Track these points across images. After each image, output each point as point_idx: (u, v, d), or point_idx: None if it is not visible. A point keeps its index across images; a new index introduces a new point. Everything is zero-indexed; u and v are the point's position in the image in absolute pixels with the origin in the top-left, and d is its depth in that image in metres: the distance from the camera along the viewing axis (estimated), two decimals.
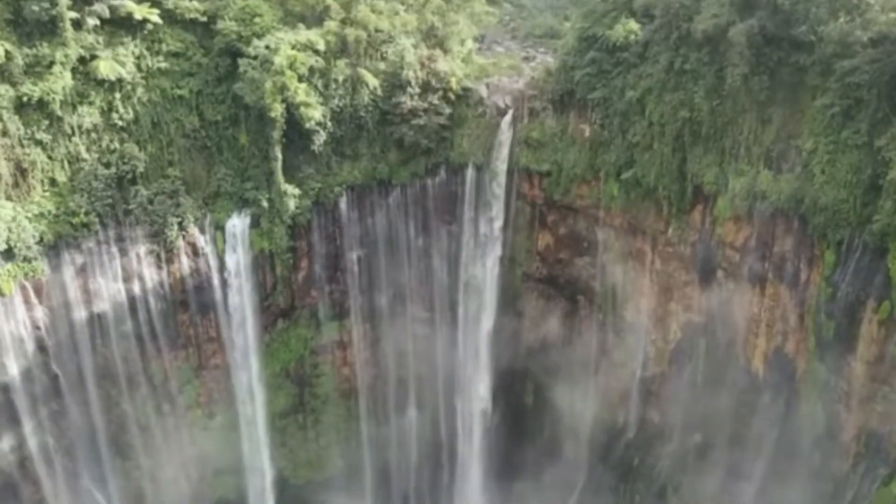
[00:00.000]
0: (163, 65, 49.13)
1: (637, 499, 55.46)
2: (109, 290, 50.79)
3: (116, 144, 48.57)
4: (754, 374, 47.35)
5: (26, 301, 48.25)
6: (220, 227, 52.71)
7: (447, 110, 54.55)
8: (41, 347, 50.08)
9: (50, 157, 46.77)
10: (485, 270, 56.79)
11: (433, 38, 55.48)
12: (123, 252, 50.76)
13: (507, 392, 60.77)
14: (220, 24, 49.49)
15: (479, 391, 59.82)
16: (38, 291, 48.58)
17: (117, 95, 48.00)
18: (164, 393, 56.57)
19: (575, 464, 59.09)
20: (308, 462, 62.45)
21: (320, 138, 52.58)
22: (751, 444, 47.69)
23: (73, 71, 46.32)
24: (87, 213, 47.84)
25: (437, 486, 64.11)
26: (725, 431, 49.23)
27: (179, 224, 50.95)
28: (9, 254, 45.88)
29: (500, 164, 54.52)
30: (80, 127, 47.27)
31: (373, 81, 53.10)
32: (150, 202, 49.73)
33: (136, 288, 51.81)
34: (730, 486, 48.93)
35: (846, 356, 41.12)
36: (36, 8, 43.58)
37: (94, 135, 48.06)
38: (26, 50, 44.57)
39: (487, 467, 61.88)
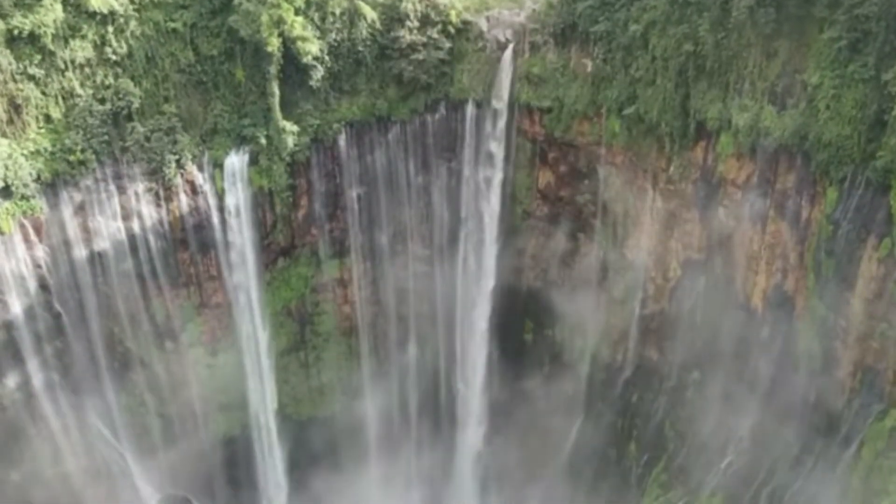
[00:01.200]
0: None
1: (635, 434, 56.15)
2: (109, 229, 50.76)
3: (111, 80, 47.93)
4: (753, 312, 47.37)
5: (26, 240, 48.31)
6: (218, 165, 52.38)
7: (447, 45, 53.67)
8: (43, 286, 50.34)
9: (44, 93, 46.21)
10: (485, 208, 56.57)
11: None
12: (122, 190, 50.60)
13: (507, 329, 61.04)
14: None
15: (479, 329, 60.14)
16: (38, 230, 48.59)
17: (110, 29, 47.18)
18: (167, 331, 57.01)
19: (574, 400, 59.68)
20: (310, 399, 63.26)
21: (318, 73, 51.85)
22: (748, 380, 48.03)
23: (64, 3, 45.42)
24: (83, 151, 47.51)
25: (437, 423, 65.01)
26: (723, 368, 49.49)
27: (177, 162, 50.61)
28: (6, 192, 45.78)
29: (501, 100, 53.80)
30: (72, 61, 46.59)
31: (371, 14, 52.10)
32: (147, 139, 49.30)
33: (136, 226, 51.77)
34: (726, 422, 49.42)
35: (845, 293, 41.04)
36: None
37: (87, 70, 47.40)
38: None
39: (487, 404, 62.62)
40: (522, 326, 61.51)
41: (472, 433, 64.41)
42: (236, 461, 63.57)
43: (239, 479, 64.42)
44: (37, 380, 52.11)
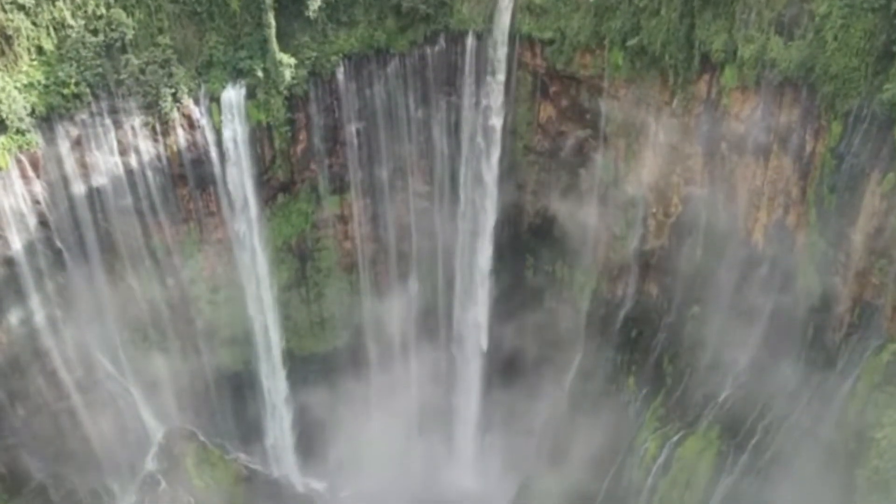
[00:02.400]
0: None
1: (634, 369, 56.53)
2: (106, 164, 50.49)
3: (103, 10, 47.05)
4: (754, 247, 47.13)
5: (23, 175, 48.09)
6: (215, 99, 51.80)
7: None
8: (42, 222, 50.29)
9: (34, 24, 45.42)
10: (485, 143, 55.98)
11: None
12: (118, 125, 50.13)
13: (508, 265, 61.09)
14: None
15: (479, 264, 60.16)
16: (35, 165, 48.32)
17: None
18: (168, 267, 57.20)
19: (574, 336, 60.05)
20: (312, 335, 63.72)
21: (315, 3, 50.89)
22: (747, 315, 48.07)
23: None
24: (77, 84, 46.95)
25: (438, 360, 65.59)
26: (722, 303, 49.48)
27: (173, 95, 50.02)
28: (1, 126, 45.41)
29: (501, 32, 52.67)
30: None
31: None
32: (142, 72, 48.62)
33: (134, 161, 51.48)
34: (724, 357, 49.68)
35: (846, 229, 40.70)
36: None
37: None
38: None
39: (488, 338, 62.98)
40: (523, 263, 61.51)
41: (472, 370, 65.00)
42: (241, 395, 64.49)
43: (244, 412, 65.40)
44: (39, 315, 52.41)
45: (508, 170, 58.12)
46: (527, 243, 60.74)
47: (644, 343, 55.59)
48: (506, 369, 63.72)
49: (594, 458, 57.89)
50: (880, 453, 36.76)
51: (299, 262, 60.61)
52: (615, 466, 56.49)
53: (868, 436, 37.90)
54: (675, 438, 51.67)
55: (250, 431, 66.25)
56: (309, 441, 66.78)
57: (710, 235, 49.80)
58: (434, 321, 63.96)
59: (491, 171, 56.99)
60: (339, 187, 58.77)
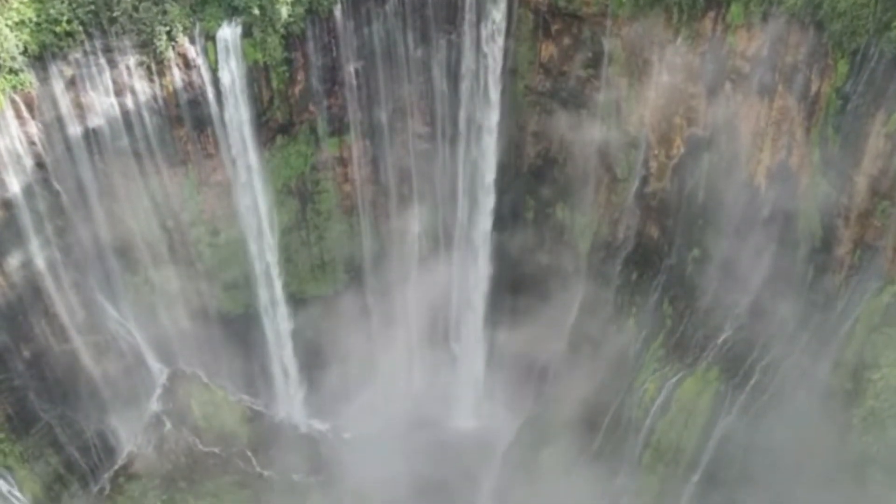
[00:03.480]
0: None
1: (634, 311, 56.63)
2: (102, 105, 49.80)
3: None
4: (756, 189, 46.70)
5: (18, 116, 47.44)
6: (210, 38, 50.76)
7: None
8: (39, 164, 49.86)
9: None
10: (486, 83, 55.10)
11: None
12: (113, 64, 49.27)
13: (508, 207, 60.78)
14: None
15: (480, 206, 59.82)
16: (30, 106, 47.63)
17: None
18: (167, 210, 56.98)
19: (574, 278, 60.10)
20: (313, 277, 63.74)
21: None
22: (748, 258, 47.90)
23: None
24: (69, 21, 46.00)
25: (439, 302, 65.64)
26: (723, 246, 49.35)
27: (168, 34, 49.08)
28: None
29: None
30: None
31: None
32: (135, 9, 47.57)
33: (129, 102, 50.75)
34: (724, 299, 49.69)
35: (850, 170, 40.26)
36: None
37: None
38: None
39: (488, 281, 63.01)
40: (524, 205, 61.17)
41: (473, 312, 65.21)
42: (244, 338, 64.78)
43: (247, 355, 65.85)
44: (40, 258, 52.39)
45: (509, 110, 57.36)
46: (528, 185, 60.34)
47: (644, 285, 55.60)
48: (507, 310, 63.86)
49: (594, 398, 58.43)
50: (876, 394, 37.00)
51: (299, 204, 60.33)
52: (615, 406, 57.03)
53: (865, 377, 38.12)
54: (675, 379, 52.05)
55: (254, 373, 66.82)
56: (312, 382, 67.35)
57: (712, 177, 49.36)
58: (435, 264, 63.85)
59: (491, 111, 56.20)
60: (339, 129, 58.09)
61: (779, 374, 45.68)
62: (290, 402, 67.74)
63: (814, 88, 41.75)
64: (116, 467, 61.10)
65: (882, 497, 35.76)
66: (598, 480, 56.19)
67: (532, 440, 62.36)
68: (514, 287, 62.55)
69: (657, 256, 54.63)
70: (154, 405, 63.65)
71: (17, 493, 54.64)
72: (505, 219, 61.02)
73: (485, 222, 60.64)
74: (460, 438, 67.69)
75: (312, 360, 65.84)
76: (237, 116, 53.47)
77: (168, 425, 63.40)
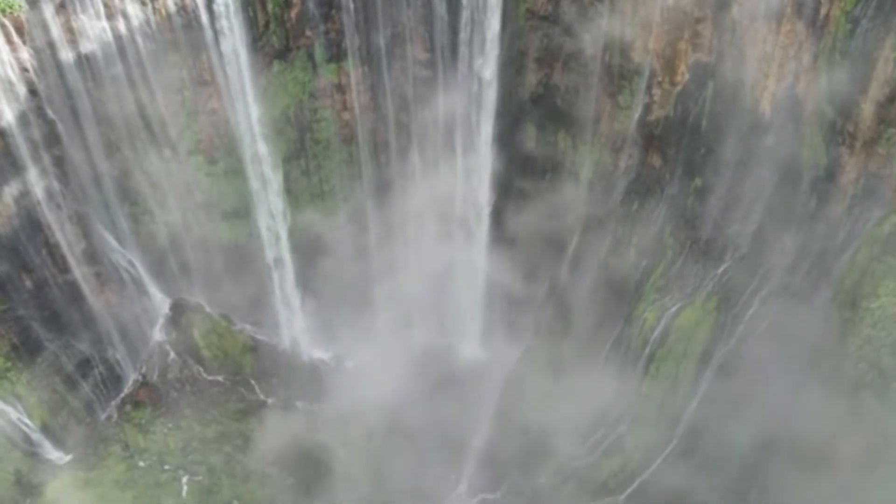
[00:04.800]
0: None
1: (634, 241, 56.31)
2: (94, 29, 48.99)
3: None
4: (760, 117, 45.83)
5: (9, 41, 46.65)
6: None
7: None
8: (32, 91, 49.23)
9: None
10: (486, 7, 53.57)
11: None
12: None
13: (509, 135, 59.91)
14: None
15: (481, 134, 59.00)
16: (20, 30, 46.79)
17: None
18: (164, 138, 56.56)
19: (575, 208, 59.72)
20: (313, 207, 63.37)
21: None
22: (750, 187, 47.43)
23: None
24: None
25: (440, 230, 65.34)
26: (726, 175, 48.79)
27: None
28: None
29: None
30: None
31: None
32: None
33: (122, 27, 49.91)
34: (725, 229, 49.39)
35: (856, 97, 39.43)
36: None
37: None
38: None
39: (489, 209, 62.55)
40: (525, 133, 60.29)
41: (475, 241, 64.96)
42: (245, 267, 64.95)
43: (249, 285, 66.07)
44: (38, 188, 52.26)
45: (510, 36, 55.99)
46: (529, 113, 59.35)
47: (646, 215, 55.16)
48: (507, 239, 63.62)
49: (594, 328, 58.72)
50: (874, 323, 36.96)
51: (298, 133, 59.66)
52: (614, 336, 57.33)
53: (863, 305, 37.99)
54: (674, 309, 52.15)
55: (255, 303, 67.13)
56: (314, 311, 67.72)
57: (717, 105, 48.49)
58: (434, 195, 63.29)
59: (492, 37, 54.77)
60: (336, 55, 56.93)
61: (778, 304, 45.67)
62: (292, 331, 68.27)
63: (823, 12, 40.54)
64: (122, 395, 62.10)
65: (877, 421, 36.09)
66: (597, 409, 56.82)
67: (532, 369, 62.87)
68: (515, 216, 62.10)
69: (659, 186, 54.08)
70: (157, 335, 64.30)
71: (27, 420, 55.76)
72: (505, 147, 60.22)
73: (485, 151, 59.90)
74: (462, 367, 68.37)
75: (314, 289, 66.05)
76: (232, 41, 52.50)
77: (172, 354, 64.14)
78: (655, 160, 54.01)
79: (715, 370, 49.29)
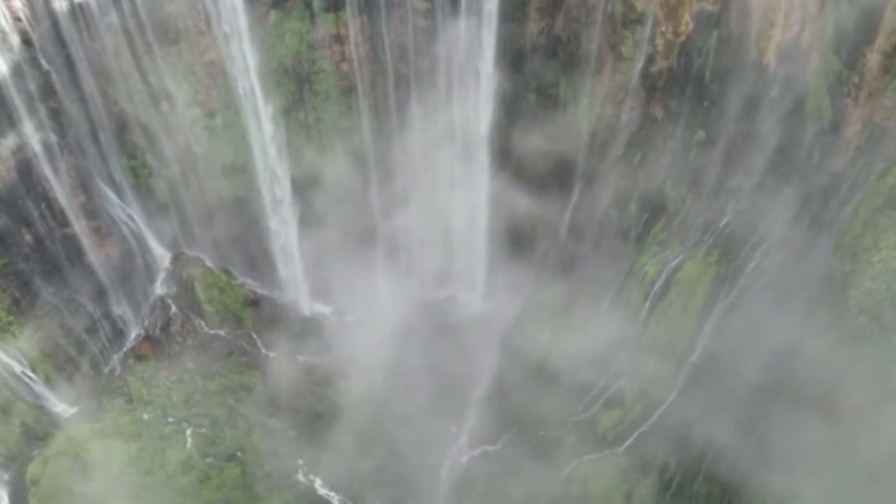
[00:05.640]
0: None
1: (636, 194, 56.07)
2: None
3: None
4: (765, 68, 45.27)
5: None
6: None
7: None
8: (26, 41, 48.78)
9: None
10: None
11: None
12: None
13: (510, 87, 59.06)
14: None
15: (481, 85, 58.16)
16: None
17: None
18: (161, 91, 55.96)
19: (576, 160, 59.30)
20: (313, 160, 62.87)
21: None
22: (753, 139, 47.00)
23: None
24: None
25: (440, 182, 64.79)
26: (729, 127, 48.36)
27: None
28: None
29: None
30: None
31: None
32: None
33: None
34: (728, 182, 49.12)
35: (862, 47, 38.84)
36: None
37: None
38: None
39: (490, 162, 62.01)
40: (526, 84, 59.43)
41: (475, 194, 64.47)
42: (246, 221, 64.80)
43: (249, 239, 66.02)
44: (34, 141, 51.99)
45: None
46: (530, 64, 58.42)
47: (647, 168, 54.79)
48: (508, 192, 63.11)
49: (595, 281, 58.68)
50: (875, 276, 36.81)
51: (296, 84, 58.93)
52: (615, 289, 57.31)
53: (864, 259, 37.79)
54: (675, 263, 52.05)
55: (256, 257, 67.17)
56: (315, 266, 67.61)
57: (721, 56, 47.89)
58: (435, 144, 62.58)
59: None
60: (334, 4, 55.92)
61: (779, 257, 45.56)
62: (293, 284, 68.32)
63: None
64: (125, 349, 62.42)
65: (877, 373, 36.24)
66: (597, 361, 57.07)
67: (533, 321, 63.02)
68: (516, 169, 61.61)
69: (661, 138, 53.56)
70: (158, 289, 64.40)
71: (31, 374, 56.20)
72: (506, 98, 59.44)
73: (486, 102, 59.13)
74: (462, 321, 68.40)
75: (315, 242, 65.85)
76: None
77: (173, 308, 64.30)
78: (658, 112, 53.43)
79: (715, 323, 49.34)
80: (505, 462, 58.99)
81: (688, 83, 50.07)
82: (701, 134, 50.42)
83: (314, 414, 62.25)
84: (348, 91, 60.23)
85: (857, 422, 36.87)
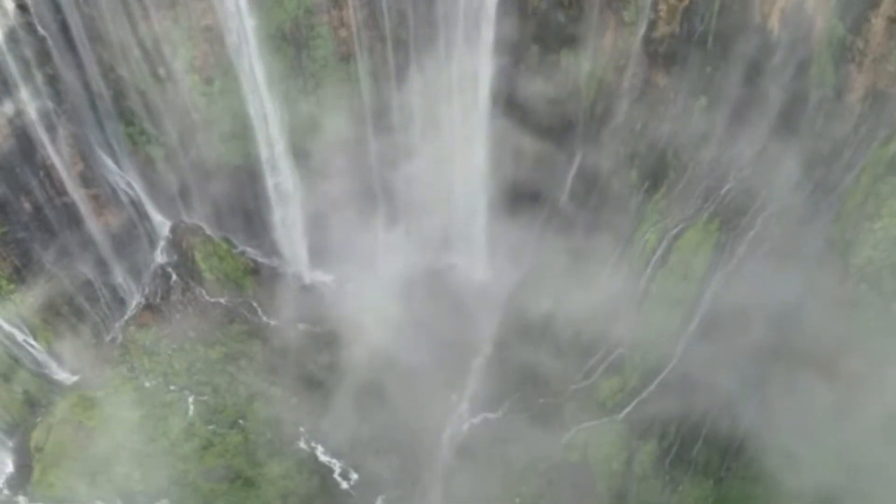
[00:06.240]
0: None
1: (637, 162, 55.72)
2: None
3: None
4: (769, 34, 44.65)
5: None
6: None
7: None
8: (21, 6, 48.45)
9: None
10: None
11: None
12: None
13: (511, 54, 58.38)
14: None
15: (481, 53, 57.53)
16: None
17: None
18: (158, 57, 55.54)
19: (577, 127, 58.91)
20: (312, 127, 62.44)
21: None
22: (755, 106, 46.55)
23: None
24: None
25: (441, 147, 64.32)
26: (731, 94, 47.84)
27: None
28: None
29: None
30: None
31: None
32: None
33: None
34: (729, 149, 48.72)
35: (867, 12, 38.30)
36: None
37: None
38: None
39: (489, 130, 61.66)
40: (527, 51, 58.79)
41: (476, 161, 64.15)
42: (246, 189, 64.64)
43: (249, 207, 65.90)
44: (31, 108, 51.71)
45: None
46: (531, 30, 57.76)
47: (648, 135, 54.36)
48: (509, 161, 62.84)
49: (595, 249, 58.53)
50: (875, 244, 36.71)
51: (294, 50, 58.33)
52: (615, 257, 57.19)
53: (866, 226, 37.66)
54: (675, 231, 51.81)
55: (256, 225, 67.10)
56: (314, 234, 67.55)
57: (724, 21, 47.19)
58: (435, 110, 62.05)
59: None
60: None
61: (780, 225, 45.36)
62: (293, 253, 68.32)
63: None
64: (126, 318, 62.65)
65: (876, 340, 36.34)
66: (598, 329, 57.16)
67: (534, 289, 63.04)
68: (516, 138, 61.22)
69: (663, 105, 53.04)
70: (158, 258, 64.44)
71: (32, 342, 56.45)
72: (507, 65, 58.80)
73: (486, 70, 58.53)
74: (463, 288, 68.45)
75: (314, 210, 65.70)
76: None
77: (174, 277, 64.40)
78: (660, 78, 52.85)
79: (715, 291, 49.27)
80: (505, 429, 59.35)
81: (690, 49, 49.43)
82: (703, 100, 49.90)
83: (315, 382, 62.56)
84: (347, 57, 59.61)
85: (857, 385, 37.04)
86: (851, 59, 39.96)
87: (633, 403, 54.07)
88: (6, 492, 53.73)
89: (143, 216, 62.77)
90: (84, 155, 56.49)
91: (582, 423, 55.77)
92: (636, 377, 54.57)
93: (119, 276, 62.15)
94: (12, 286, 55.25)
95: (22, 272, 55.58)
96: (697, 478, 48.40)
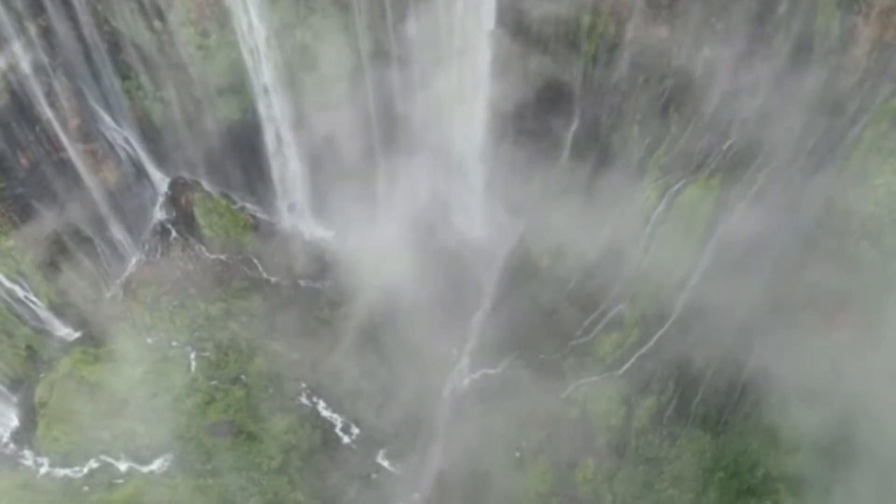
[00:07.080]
0: None
1: (638, 118, 54.89)
2: None
3: None
4: None
5: None
6: None
7: None
8: None
9: None
10: None
11: None
12: None
13: (511, 8, 57.33)
14: None
15: (482, 7, 56.46)
16: None
17: None
18: (153, 9, 54.63)
19: (578, 83, 58.04)
20: (310, 80, 61.53)
21: None
22: (759, 59, 45.68)
23: None
24: None
25: (441, 105, 63.50)
26: (735, 44, 46.91)
27: None
28: None
29: None
30: None
31: None
32: None
33: None
34: (732, 103, 47.94)
35: None
36: None
37: None
38: None
39: (489, 84, 60.79)
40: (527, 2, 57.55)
41: (475, 118, 63.45)
42: (245, 145, 64.10)
43: (248, 162, 65.46)
44: (25, 62, 51.16)
45: None
46: None
47: (650, 90, 53.49)
48: (509, 117, 62.05)
49: (595, 206, 58.12)
50: (877, 200, 36.36)
51: (291, 1, 57.19)
52: (616, 214, 56.82)
53: (868, 182, 37.26)
54: (676, 187, 51.34)
55: (256, 181, 66.73)
56: (314, 190, 67.23)
57: None
58: (435, 61, 60.93)
59: None
60: None
61: (782, 181, 44.85)
62: (293, 209, 68.04)
63: None
64: (127, 274, 62.71)
65: (874, 297, 36.21)
66: (599, 284, 57.07)
67: (533, 247, 62.85)
68: (517, 93, 60.33)
69: (665, 59, 52.04)
70: (158, 214, 64.26)
71: (34, 298, 56.62)
72: (507, 23, 57.69)
73: (487, 25, 57.45)
74: (463, 245, 68.32)
75: (314, 166, 65.24)
76: None
77: (174, 233, 64.32)
78: (662, 31, 51.76)
79: (715, 247, 48.99)
80: (505, 384, 59.65)
81: (694, 0, 48.36)
82: (706, 52, 48.96)
83: (316, 338, 62.75)
84: (345, 7, 58.44)
85: (851, 343, 37.01)
86: (858, 10, 39.07)
87: (633, 359, 54.15)
88: (12, 446, 54.39)
89: (142, 172, 62.44)
90: (80, 109, 56.00)
91: (581, 379, 55.96)
92: (636, 333, 54.61)
93: (118, 232, 62.04)
94: (11, 243, 55.22)
95: (21, 228, 55.63)
96: (695, 432, 48.63)
